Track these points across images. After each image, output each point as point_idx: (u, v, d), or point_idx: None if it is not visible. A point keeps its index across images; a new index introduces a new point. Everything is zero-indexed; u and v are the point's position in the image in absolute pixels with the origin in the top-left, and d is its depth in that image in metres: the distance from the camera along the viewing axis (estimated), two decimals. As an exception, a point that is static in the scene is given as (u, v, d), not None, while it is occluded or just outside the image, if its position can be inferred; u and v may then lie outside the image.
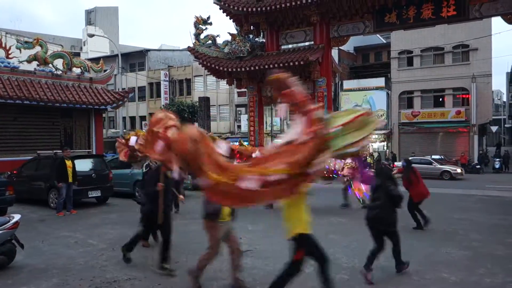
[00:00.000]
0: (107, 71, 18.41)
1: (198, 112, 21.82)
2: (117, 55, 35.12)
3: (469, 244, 7.29)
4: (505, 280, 5.40)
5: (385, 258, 6.06)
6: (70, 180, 10.87)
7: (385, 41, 34.91)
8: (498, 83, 72.73)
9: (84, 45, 65.53)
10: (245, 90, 22.97)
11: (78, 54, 56.78)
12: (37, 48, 16.40)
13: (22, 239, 6.28)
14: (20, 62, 15.76)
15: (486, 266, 5.98)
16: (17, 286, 5.38)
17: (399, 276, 5.56)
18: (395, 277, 5.55)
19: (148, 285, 5.39)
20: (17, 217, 6.23)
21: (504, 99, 65.38)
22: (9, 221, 6.07)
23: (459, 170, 21.97)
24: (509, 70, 49.54)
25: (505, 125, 56.84)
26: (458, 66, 29.45)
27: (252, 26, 20.72)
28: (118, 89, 34.43)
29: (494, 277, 5.51)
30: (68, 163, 10.95)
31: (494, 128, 39.41)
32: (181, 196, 8.62)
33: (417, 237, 7.78)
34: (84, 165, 12.14)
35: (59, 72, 16.85)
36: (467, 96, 29.16)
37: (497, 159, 27.74)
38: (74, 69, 17.30)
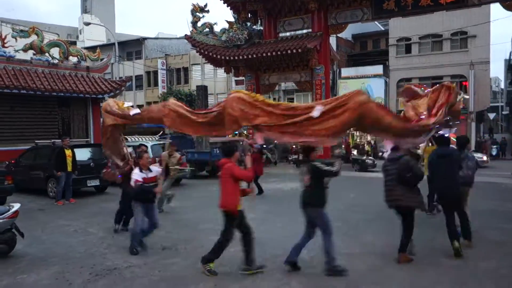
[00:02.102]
0: (104, 60, 18.31)
1: (196, 101, 21.78)
2: (113, 43, 34.86)
3: (465, 230, 7.37)
4: (499, 264, 5.48)
5: (379, 243, 6.15)
6: (70, 169, 10.90)
7: (383, 29, 34.74)
8: (496, 70, 72.56)
9: (80, 33, 64.86)
10: (243, 78, 22.93)
11: (74, 43, 56.14)
12: (33, 37, 16.27)
13: (21, 228, 6.33)
14: (16, 51, 15.65)
15: (481, 251, 6.06)
16: (17, 274, 5.44)
17: (394, 261, 5.62)
18: (392, 261, 5.62)
19: (148, 272, 5.46)
20: (16, 206, 6.26)
21: (502, 86, 65.28)
22: (9, 210, 6.10)
23: (484, 158, 20.99)
24: (507, 57, 49.36)
25: (503, 112, 56.85)
26: (456, 53, 29.38)
27: (249, 14, 20.63)
28: (115, 78, 34.30)
29: (489, 261, 5.60)
30: (68, 152, 10.96)
31: (491, 115, 39.47)
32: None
33: (415, 223, 7.85)
34: (82, 154, 12.15)
35: (56, 61, 16.75)
36: (465, 83, 29.15)
37: (494, 146, 27.86)
38: (70, 58, 17.19)
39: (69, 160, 10.93)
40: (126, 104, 6.81)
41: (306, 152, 5.40)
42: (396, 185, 5.58)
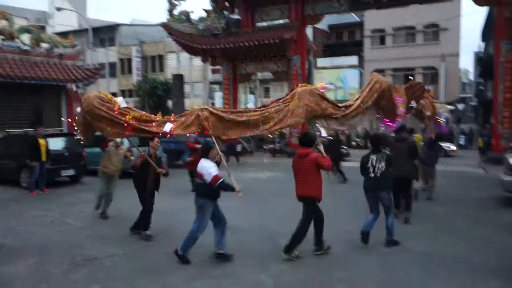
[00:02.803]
0: (78, 47, 17.87)
1: (172, 90, 21.58)
2: (86, 29, 33.93)
3: (433, 217, 7.75)
4: (464, 249, 5.83)
5: (355, 230, 6.40)
6: (44, 159, 10.71)
7: (359, 20, 35.12)
8: (466, 62, 74.82)
9: (51, 18, 62.68)
10: (220, 67, 22.85)
11: (43, 28, 54.41)
12: (3, 22, 15.69)
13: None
14: (-16, 37, 15.10)
15: (447, 237, 6.42)
16: (-6, 266, 5.40)
17: (367, 248, 5.89)
18: (362, 249, 5.88)
19: (128, 262, 5.52)
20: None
21: (471, 78, 67.35)
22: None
23: (453, 147, 21.85)
24: (477, 50, 50.94)
25: (471, 103, 58.74)
26: (428, 46, 30.12)
27: (227, 3, 20.52)
28: (89, 65, 33.49)
29: (455, 247, 5.94)
30: (42, 141, 10.75)
31: (461, 106, 40.77)
32: None
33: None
34: (56, 144, 11.93)
35: (27, 48, 16.24)
36: (435, 74, 29.99)
37: (462, 136, 28.88)
38: (42, 44, 16.68)
39: (43, 150, 10.73)
40: (122, 103, 5.96)
41: (377, 142, 6.19)
42: (406, 160, 7.18)
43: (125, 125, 5.79)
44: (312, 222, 5.58)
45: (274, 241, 6.22)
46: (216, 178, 5.19)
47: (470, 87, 64.58)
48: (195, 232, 5.37)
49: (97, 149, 13.33)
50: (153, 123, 5.80)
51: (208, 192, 5.32)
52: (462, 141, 28.32)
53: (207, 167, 5.26)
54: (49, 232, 7.04)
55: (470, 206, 8.73)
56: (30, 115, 16.28)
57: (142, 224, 6.59)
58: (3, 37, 15.70)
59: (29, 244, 6.34)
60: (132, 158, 7.47)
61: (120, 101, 5.96)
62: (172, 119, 5.88)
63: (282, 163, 16.15)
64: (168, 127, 5.69)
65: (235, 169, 14.68)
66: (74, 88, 10.51)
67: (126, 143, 8.31)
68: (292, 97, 5.81)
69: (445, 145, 22.37)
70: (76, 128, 6.58)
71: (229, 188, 5.32)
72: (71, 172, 12.07)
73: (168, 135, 5.99)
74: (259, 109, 6.02)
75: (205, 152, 5.45)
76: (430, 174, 9.37)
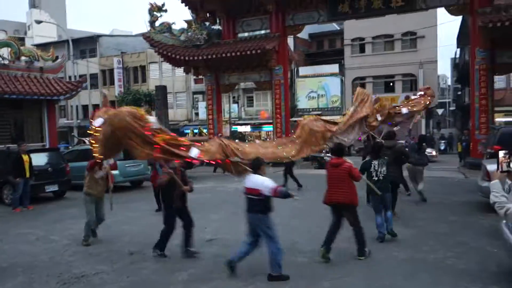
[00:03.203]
0: (59, 60, 17.71)
1: (156, 101, 21.55)
2: (66, 40, 33.66)
3: (415, 223, 7.97)
4: (445, 255, 6.02)
5: (339, 240, 6.53)
6: (28, 175, 10.63)
7: (339, 28, 35.76)
8: (444, 68, 76.59)
9: (29, 29, 61.86)
10: (202, 77, 22.95)
11: (22, 39, 53.60)
12: (-19, 36, 15.49)
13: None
14: (-38, 51, 14.87)
15: (429, 243, 6.61)
16: (-19, 287, 5.36)
17: (352, 255, 6.02)
18: (348, 256, 6.01)
19: (117, 278, 5.53)
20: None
21: (449, 83, 69.00)
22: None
23: (434, 153, 22.20)
24: (453, 56, 52.25)
25: (450, 108, 60.15)
26: (407, 53, 30.86)
27: (208, 14, 20.68)
28: (69, 77, 33.19)
29: (436, 253, 6.13)
30: (25, 157, 10.73)
31: (440, 111, 41.81)
32: None
33: (366, 217, 8.36)
34: (39, 159, 11.82)
35: (6, 62, 16.03)
36: (414, 81, 30.71)
37: (442, 141, 29.58)
38: (22, 58, 16.49)
39: (26, 166, 10.65)
40: (154, 124, 5.59)
41: (378, 150, 7.05)
42: (392, 165, 7.64)
43: (155, 146, 5.44)
44: (332, 224, 6.04)
45: (258, 253, 6.28)
46: (276, 188, 5.11)
47: (449, 92, 66.09)
48: (275, 248, 5.24)
49: (83, 163, 13.33)
50: (181, 148, 5.59)
51: (264, 207, 5.25)
52: (442, 146, 29.02)
53: (262, 181, 5.19)
54: (35, 250, 6.98)
55: (451, 211, 8.98)
56: (11, 130, 16.04)
57: (158, 243, 6.34)
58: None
59: (16, 263, 6.28)
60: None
61: (153, 120, 5.59)
62: (198, 143, 5.91)
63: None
64: (194, 152, 5.58)
65: (218, 178, 14.80)
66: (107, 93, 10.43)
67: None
68: (302, 129, 6.83)
69: (427, 150, 22.88)
70: (93, 144, 5.96)
71: (288, 195, 5.21)
72: (55, 187, 11.95)
73: (195, 161, 5.89)
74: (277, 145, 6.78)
75: (256, 167, 5.42)
76: (420, 174, 10.10)
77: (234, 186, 12.51)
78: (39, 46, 38.70)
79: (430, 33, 29.65)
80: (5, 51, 16.50)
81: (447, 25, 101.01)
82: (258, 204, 5.21)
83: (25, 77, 16.13)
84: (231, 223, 8.32)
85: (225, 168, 6.12)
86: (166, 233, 6.32)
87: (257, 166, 5.40)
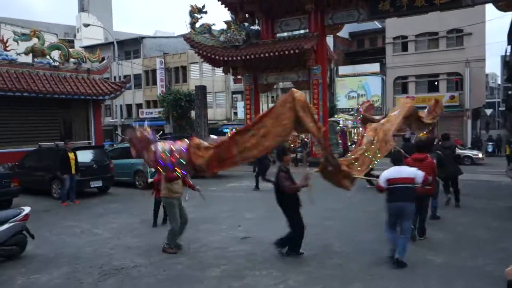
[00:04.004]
0: (104, 62, 18.54)
1: (195, 101, 22.02)
2: (111, 42, 35.03)
3: (455, 228, 7.70)
4: (485, 262, 5.81)
5: (374, 242, 6.46)
6: (73, 171, 11.24)
7: (380, 26, 34.99)
8: (493, 66, 72.86)
9: (78, 32, 64.99)
10: (241, 77, 23.18)
11: (72, 42, 56.42)
12: (34, 40, 16.49)
13: (30, 229, 6.63)
14: (18, 54, 15.89)
15: (468, 249, 6.39)
16: (30, 274, 5.75)
17: (386, 258, 5.94)
18: (382, 259, 5.93)
19: (154, 271, 5.77)
20: (27, 209, 6.57)
21: (499, 82, 65.65)
22: (20, 213, 6.41)
23: (480, 155, 21.53)
24: (503, 53, 49.61)
25: (499, 108, 57.24)
26: (452, 51, 29.67)
27: (247, 14, 20.82)
28: (114, 78, 34.52)
29: (476, 259, 5.92)
30: (71, 155, 11.32)
31: (488, 111, 39.79)
32: None
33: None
34: (85, 156, 12.45)
35: (57, 64, 16.99)
36: (460, 80, 29.48)
37: (490, 143, 28.19)
38: (71, 60, 17.41)
39: (72, 163, 11.26)
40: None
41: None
42: (452, 163, 9.17)
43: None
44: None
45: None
46: (426, 176, 5.77)
47: (498, 91, 62.93)
48: (409, 236, 5.84)
49: (124, 161, 13.90)
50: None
51: (412, 195, 5.72)
52: (489, 148, 27.66)
53: (414, 170, 5.76)
54: (79, 242, 7.39)
55: (495, 216, 8.61)
56: (60, 129, 16.98)
57: (291, 247, 6.14)
58: (35, 54, 16.48)
59: (62, 253, 6.68)
60: None
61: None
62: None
63: (304, 172, 16.18)
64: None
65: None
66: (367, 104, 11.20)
67: None
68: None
69: (472, 152, 21.99)
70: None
71: (431, 182, 6.30)
72: (99, 183, 12.53)
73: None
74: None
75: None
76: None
77: (270, 186, 12.57)
78: (86, 48, 40.71)
79: (478, 30, 28.34)
80: (55, 54, 17.47)
81: (497, 21, 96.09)
82: (412, 192, 5.69)
83: (73, 78, 17.01)
84: (264, 222, 8.41)
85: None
86: (300, 235, 6.07)
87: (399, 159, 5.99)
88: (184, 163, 4.90)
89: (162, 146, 5.02)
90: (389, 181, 5.66)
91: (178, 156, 4.87)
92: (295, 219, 5.98)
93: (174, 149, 4.94)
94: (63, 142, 12.33)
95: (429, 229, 7.07)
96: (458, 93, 29.28)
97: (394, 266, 5.63)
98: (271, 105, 32.37)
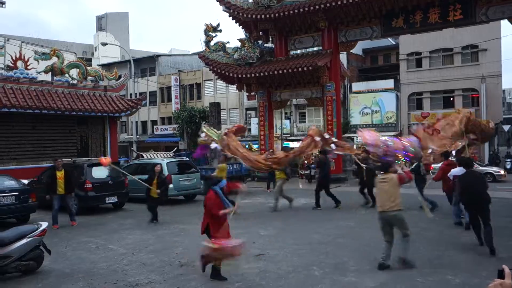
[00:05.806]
0: (121, 80, 18.94)
1: (209, 117, 22.23)
2: (128, 60, 35.79)
3: (474, 246, 7.53)
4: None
5: (393, 260, 6.35)
6: (62, 191, 10.30)
7: (394, 43, 35.02)
8: (510, 82, 71.92)
9: (96, 50, 66.59)
10: (255, 94, 23.38)
11: (89, 60, 57.82)
12: (54, 59, 16.98)
13: (46, 244, 6.71)
14: (38, 72, 16.36)
15: (488, 269, 6.23)
16: (46, 289, 5.80)
17: (403, 277, 5.84)
18: (399, 278, 5.83)
19: (168, 288, 5.77)
20: (44, 224, 6.67)
21: (516, 97, 64.65)
22: (37, 229, 6.51)
23: (502, 172, 21.34)
24: (521, 69, 49.11)
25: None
26: (468, 67, 29.46)
27: (261, 32, 21.12)
28: (130, 95, 35.16)
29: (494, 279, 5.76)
30: (59, 174, 10.37)
31: (506, 127, 39.07)
32: None
33: (423, 239, 8.05)
34: (101, 172, 12.59)
35: (75, 82, 17.42)
36: (476, 95, 29.17)
37: (509, 160, 27.64)
38: (89, 78, 17.84)
39: (60, 182, 10.31)
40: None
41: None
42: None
43: None
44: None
45: (305, 269, 6.28)
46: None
47: (515, 107, 61.83)
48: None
49: (139, 177, 14.00)
50: None
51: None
52: (508, 164, 27.11)
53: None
54: (95, 257, 7.45)
55: (514, 235, 8.40)
56: (77, 145, 17.29)
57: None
58: (54, 73, 16.95)
59: (77, 269, 6.74)
60: None
61: None
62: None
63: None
64: None
65: (270, 195, 14.83)
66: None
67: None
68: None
69: (494, 169, 21.68)
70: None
71: None
72: (114, 199, 12.66)
73: None
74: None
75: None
76: None
77: (284, 202, 12.55)
78: (104, 66, 41.65)
79: (493, 46, 28.13)
80: (74, 72, 17.93)
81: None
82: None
83: (90, 95, 17.39)
84: (279, 239, 8.36)
85: None
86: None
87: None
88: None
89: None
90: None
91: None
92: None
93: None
94: (82, 158, 12.46)
95: (448, 248, 6.93)
96: (475, 109, 28.89)
97: (411, 285, 5.52)
98: (284, 121, 32.61)
